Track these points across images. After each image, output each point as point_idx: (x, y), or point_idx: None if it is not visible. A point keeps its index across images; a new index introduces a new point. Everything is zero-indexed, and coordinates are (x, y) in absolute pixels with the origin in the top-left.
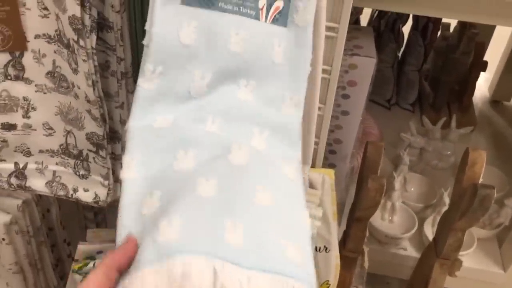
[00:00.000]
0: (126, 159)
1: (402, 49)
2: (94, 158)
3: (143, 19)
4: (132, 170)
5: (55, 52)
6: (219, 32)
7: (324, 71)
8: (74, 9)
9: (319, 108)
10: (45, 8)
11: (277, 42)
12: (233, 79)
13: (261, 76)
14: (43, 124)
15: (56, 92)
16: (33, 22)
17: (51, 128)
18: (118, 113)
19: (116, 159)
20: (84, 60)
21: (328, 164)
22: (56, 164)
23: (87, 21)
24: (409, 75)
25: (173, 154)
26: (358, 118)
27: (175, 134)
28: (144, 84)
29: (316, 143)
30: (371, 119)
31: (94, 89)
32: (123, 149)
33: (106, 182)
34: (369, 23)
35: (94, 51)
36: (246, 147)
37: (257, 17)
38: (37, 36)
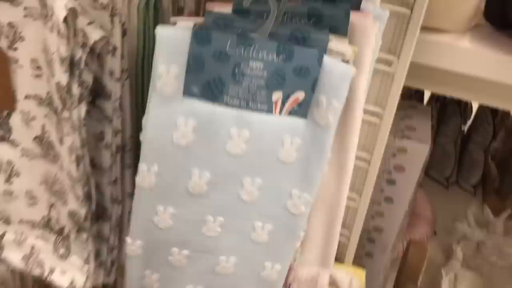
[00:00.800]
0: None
1: (468, 124)
2: (75, 238)
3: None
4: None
5: (45, 116)
6: (219, 134)
7: (362, 158)
8: (60, 76)
9: (353, 199)
10: (39, 67)
11: (288, 139)
12: (235, 178)
13: (268, 174)
14: (26, 192)
15: (43, 160)
16: (24, 81)
17: (34, 198)
18: (110, 190)
19: (103, 240)
20: (67, 134)
21: (365, 253)
22: (36, 237)
23: (75, 90)
24: (474, 153)
25: (170, 254)
26: (404, 207)
27: (176, 236)
28: (141, 183)
29: (347, 237)
30: (425, 197)
31: (78, 165)
32: (111, 229)
33: (85, 267)
34: (433, 92)
35: (84, 122)
36: (232, 260)
37: (269, 111)
38: (27, 97)
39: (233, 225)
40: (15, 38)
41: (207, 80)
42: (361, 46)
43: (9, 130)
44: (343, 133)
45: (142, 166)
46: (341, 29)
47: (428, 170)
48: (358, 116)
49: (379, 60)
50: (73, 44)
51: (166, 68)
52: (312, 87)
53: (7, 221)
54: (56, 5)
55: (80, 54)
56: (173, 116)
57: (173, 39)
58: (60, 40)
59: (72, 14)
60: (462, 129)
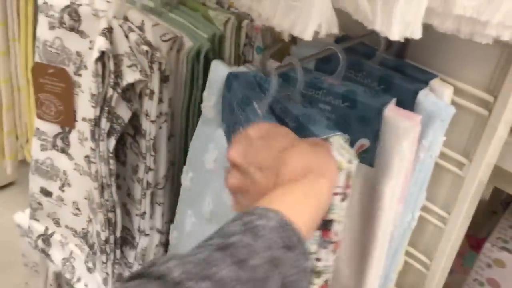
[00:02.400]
0: None
1: None
2: (99, 257)
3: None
4: None
5: None
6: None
7: (421, 262)
8: (89, 111)
9: None
10: (93, 95)
11: None
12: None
13: None
14: (73, 203)
15: (89, 177)
16: (83, 104)
17: (78, 209)
18: (138, 221)
19: (127, 266)
20: (92, 162)
21: None
22: (76, 245)
23: (104, 125)
24: None
25: None
26: None
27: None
28: (183, 181)
29: None
30: None
31: (102, 192)
32: (136, 258)
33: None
34: None
35: (111, 155)
36: None
37: None
38: (84, 119)
39: None
40: (80, 65)
41: (229, 122)
42: (391, 149)
43: (68, 144)
44: (364, 240)
45: (185, 167)
46: (373, 123)
47: None
48: (382, 224)
49: (449, 159)
50: (107, 83)
51: (208, 96)
52: None
53: (57, 223)
54: (95, 46)
55: (111, 92)
56: (208, 140)
57: (217, 74)
58: (91, 77)
59: (106, 56)
60: None
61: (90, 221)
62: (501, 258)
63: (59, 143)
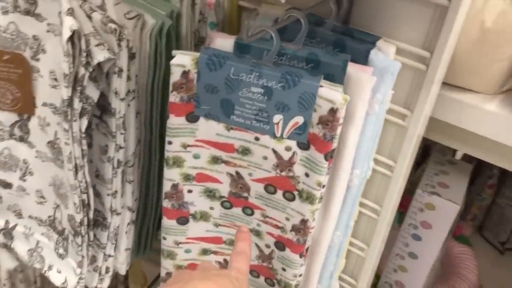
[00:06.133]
0: None
1: None
2: (72, 241)
3: (163, 110)
4: None
5: (58, 123)
6: None
7: (372, 209)
8: (62, 90)
9: (361, 248)
10: (55, 79)
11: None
12: None
13: None
14: (36, 191)
15: (53, 163)
16: (43, 89)
17: (43, 197)
18: (110, 200)
19: (100, 247)
20: (66, 144)
21: None
22: (42, 234)
23: (77, 105)
24: None
25: None
26: (429, 265)
27: None
28: None
29: (354, 286)
30: (473, 260)
31: (76, 174)
32: (109, 238)
33: (78, 270)
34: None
35: (84, 135)
36: None
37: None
38: (44, 104)
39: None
40: (38, 49)
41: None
42: (354, 99)
43: (27, 132)
44: (330, 184)
45: None
46: (337, 78)
47: (483, 231)
48: (344, 168)
49: (393, 113)
50: (78, 63)
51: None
52: None
53: (19, 215)
54: (64, 26)
55: (83, 72)
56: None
57: None
58: (63, 57)
59: (77, 35)
60: None
61: (57, 207)
62: (431, 202)
63: (17, 131)
